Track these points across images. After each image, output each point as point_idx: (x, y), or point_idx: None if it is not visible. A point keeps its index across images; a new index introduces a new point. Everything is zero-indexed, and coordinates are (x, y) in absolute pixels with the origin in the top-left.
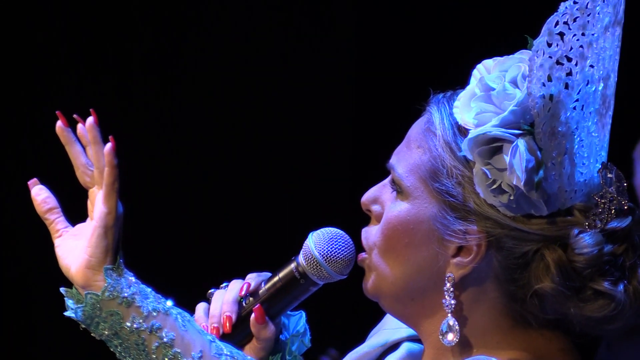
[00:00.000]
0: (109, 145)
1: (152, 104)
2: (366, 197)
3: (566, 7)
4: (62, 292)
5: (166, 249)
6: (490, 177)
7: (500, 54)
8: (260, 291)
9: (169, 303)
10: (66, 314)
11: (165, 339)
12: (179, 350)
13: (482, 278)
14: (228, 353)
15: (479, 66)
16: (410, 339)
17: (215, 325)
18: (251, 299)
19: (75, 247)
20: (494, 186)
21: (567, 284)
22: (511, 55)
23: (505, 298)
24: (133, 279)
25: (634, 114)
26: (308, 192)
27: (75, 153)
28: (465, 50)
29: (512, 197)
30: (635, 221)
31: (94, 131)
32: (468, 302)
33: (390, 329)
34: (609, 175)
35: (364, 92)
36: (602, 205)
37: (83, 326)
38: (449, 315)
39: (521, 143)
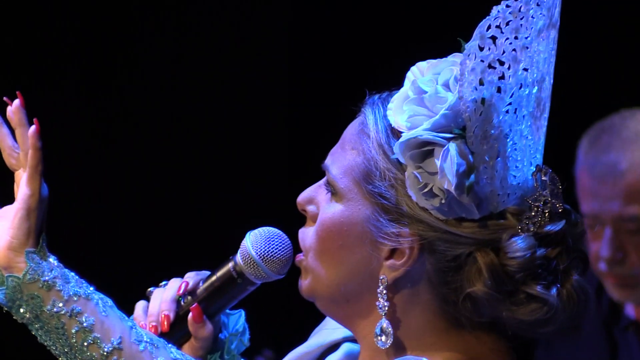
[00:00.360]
0: (32, 128)
1: (85, 100)
2: (302, 197)
3: (499, 11)
4: None
5: (105, 247)
6: (421, 180)
7: (438, 55)
8: (199, 290)
9: (91, 289)
10: None
11: (85, 324)
12: (98, 335)
13: (415, 281)
14: (148, 340)
15: (413, 68)
16: (350, 339)
17: (154, 324)
18: (189, 297)
19: (2, 225)
20: (426, 190)
21: (499, 288)
22: (444, 58)
23: (439, 300)
24: (55, 262)
25: (580, 113)
26: (246, 191)
27: (1, 135)
28: (403, 50)
29: (443, 201)
30: (570, 224)
31: (20, 114)
32: (402, 305)
33: (330, 328)
34: (544, 178)
35: (299, 91)
36: (535, 209)
37: (5, 309)
38: (383, 317)
39: (452, 147)
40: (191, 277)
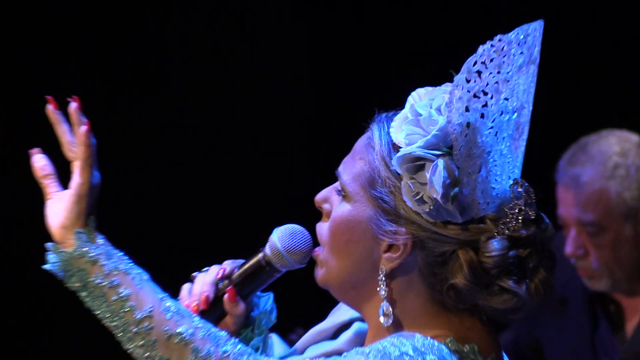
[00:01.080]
0: (83, 127)
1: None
2: (319, 196)
3: (484, 50)
4: (48, 247)
5: (158, 242)
6: (414, 189)
7: (439, 76)
8: (234, 275)
9: (130, 264)
10: (45, 267)
11: (122, 294)
12: (133, 304)
13: (408, 271)
14: (174, 310)
15: (413, 93)
16: (360, 319)
17: (196, 302)
18: (226, 281)
19: (58, 209)
20: (418, 197)
21: (477, 281)
22: (438, 87)
23: (428, 288)
24: (102, 241)
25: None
26: (274, 193)
27: (61, 132)
28: (412, 72)
29: (432, 207)
30: (541, 229)
31: (76, 115)
32: (398, 290)
33: (343, 310)
34: (519, 190)
35: (323, 99)
36: (510, 216)
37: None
38: (384, 300)
39: (440, 162)
40: (228, 264)
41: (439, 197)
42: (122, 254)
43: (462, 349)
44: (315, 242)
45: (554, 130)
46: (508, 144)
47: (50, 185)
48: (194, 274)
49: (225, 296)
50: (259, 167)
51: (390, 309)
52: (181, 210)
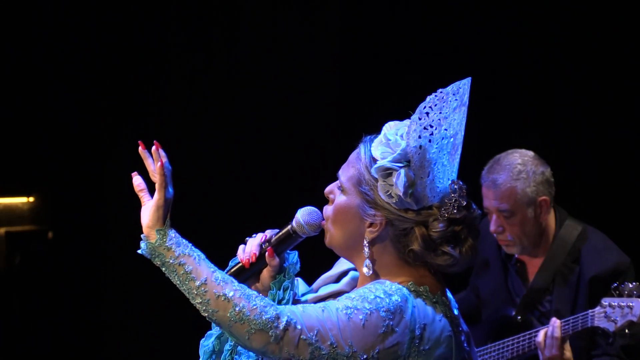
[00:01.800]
0: (159, 163)
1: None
2: (327, 189)
3: (430, 98)
4: (142, 237)
5: (224, 220)
6: (385, 188)
7: (404, 116)
8: (272, 240)
9: (193, 248)
10: (138, 251)
11: (187, 269)
12: (194, 276)
13: (383, 240)
14: (222, 278)
15: (386, 124)
16: (354, 269)
17: (248, 257)
18: (267, 244)
19: (146, 214)
20: (388, 193)
21: (426, 247)
22: (403, 121)
23: (396, 251)
24: (173, 234)
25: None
26: (299, 186)
27: (147, 164)
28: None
29: (397, 200)
30: (469, 212)
31: (156, 154)
32: (377, 252)
33: (344, 262)
34: (455, 187)
35: (348, 96)
36: (449, 204)
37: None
38: (367, 258)
39: (402, 171)
40: (268, 232)
41: (401, 194)
42: (187, 241)
43: (418, 289)
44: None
45: (480, 147)
46: (447, 158)
47: (143, 197)
48: (247, 238)
49: (266, 253)
50: (291, 168)
51: (371, 264)
52: (238, 197)
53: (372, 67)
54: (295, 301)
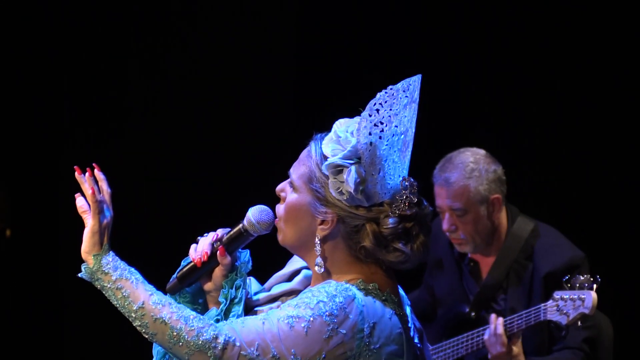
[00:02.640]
0: (89, 191)
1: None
2: (278, 188)
3: (380, 95)
4: (83, 264)
5: (167, 213)
6: (336, 185)
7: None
8: (224, 239)
9: (131, 270)
10: (79, 274)
11: (124, 293)
12: (131, 299)
13: (334, 237)
14: (158, 301)
15: (337, 122)
16: (307, 267)
17: (199, 257)
18: (218, 242)
19: (84, 238)
20: (339, 190)
21: (378, 243)
22: (353, 118)
23: (348, 248)
24: (110, 258)
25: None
26: (249, 184)
27: (84, 189)
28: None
29: (347, 197)
30: (421, 209)
31: (90, 180)
32: (328, 249)
33: (297, 260)
34: (406, 184)
35: (305, 90)
36: (399, 201)
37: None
38: (318, 256)
39: (353, 168)
40: (220, 231)
41: (352, 191)
42: (124, 264)
43: (367, 287)
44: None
45: (431, 144)
46: (398, 154)
47: (86, 219)
48: (198, 237)
49: (218, 252)
50: (241, 167)
51: (322, 261)
52: (189, 196)
53: (326, 64)
54: (248, 300)
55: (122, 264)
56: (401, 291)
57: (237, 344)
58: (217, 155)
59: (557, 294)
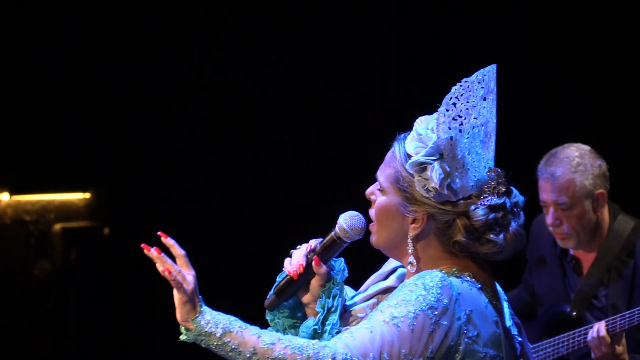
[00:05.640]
0: (165, 272)
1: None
2: (367, 191)
3: (455, 89)
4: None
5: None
6: (422, 183)
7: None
8: (317, 249)
9: (232, 319)
10: (181, 337)
11: (232, 346)
12: (241, 350)
13: (426, 234)
14: (269, 342)
15: (417, 120)
16: (401, 266)
17: (295, 269)
18: (312, 253)
19: (177, 307)
20: (425, 187)
21: (470, 237)
22: (432, 114)
23: (440, 244)
24: (208, 317)
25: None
26: (340, 191)
27: (159, 266)
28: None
29: (434, 194)
30: (510, 198)
31: (161, 259)
32: (421, 248)
33: (391, 261)
34: (493, 174)
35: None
36: (487, 192)
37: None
38: (411, 255)
39: (436, 164)
40: (313, 241)
41: (437, 187)
42: (223, 316)
43: (462, 274)
44: (368, 221)
45: (529, 136)
46: (481, 146)
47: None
48: (291, 250)
49: (313, 263)
50: (328, 174)
51: (415, 260)
52: (278, 211)
53: (424, 71)
54: (344, 307)
55: (220, 317)
56: (498, 287)
57: (354, 359)
58: (304, 168)
59: None
